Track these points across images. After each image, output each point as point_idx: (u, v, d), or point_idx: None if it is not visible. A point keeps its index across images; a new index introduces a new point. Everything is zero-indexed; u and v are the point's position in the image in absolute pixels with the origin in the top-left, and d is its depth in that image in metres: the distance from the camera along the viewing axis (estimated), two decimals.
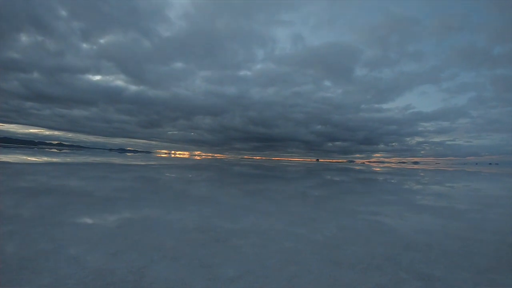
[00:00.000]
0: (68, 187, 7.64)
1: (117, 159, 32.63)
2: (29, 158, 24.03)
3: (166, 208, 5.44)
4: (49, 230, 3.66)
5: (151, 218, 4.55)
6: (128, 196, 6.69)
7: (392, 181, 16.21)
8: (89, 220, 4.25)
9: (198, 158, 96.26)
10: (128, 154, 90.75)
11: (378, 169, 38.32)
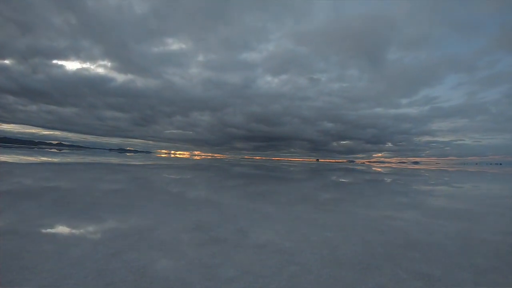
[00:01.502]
0: (57, 189, 7.48)
1: (116, 159, 32.66)
2: (25, 158, 24.05)
3: (162, 214, 5.31)
4: (14, 247, 3.08)
5: (142, 227, 4.26)
6: (122, 199, 6.61)
7: (399, 182, 16.19)
8: (71, 232, 3.64)
9: (198, 158, 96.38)
10: (128, 154, 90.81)
11: (380, 169, 38.33)
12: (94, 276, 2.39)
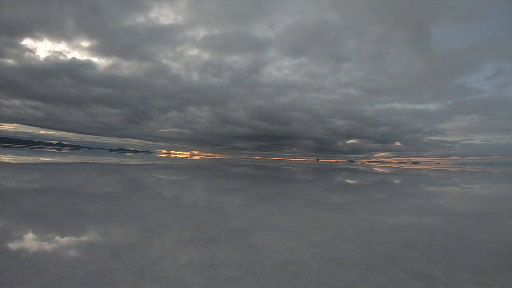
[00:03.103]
0: (41, 192, 7.07)
1: (114, 159, 32.61)
2: (21, 158, 24.01)
3: (155, 225, 4.53)
4: None
5: (126, 246, 3.42)
6: (111, 205, 6.00)
7: (406, 183, 16.12)
8: (42, 247, 3.18)
9: (197, 158, 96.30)
10: (127, 154, 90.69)
11: (382, 170, 38.02)
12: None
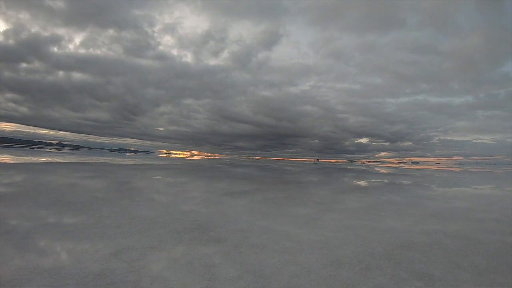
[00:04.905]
0: (17, 197, 6.45)
1: (111, 160, 31.98)
2: (16, 158, 23.37)
3: (137, 245, 3.47)
4: None
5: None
6: (88, 216, 5.22)
7: (418, 184, 15.39)
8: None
9: (197, 158, 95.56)
10: (127, 154, 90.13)
11: (386, 170, 37.22)
12: None
